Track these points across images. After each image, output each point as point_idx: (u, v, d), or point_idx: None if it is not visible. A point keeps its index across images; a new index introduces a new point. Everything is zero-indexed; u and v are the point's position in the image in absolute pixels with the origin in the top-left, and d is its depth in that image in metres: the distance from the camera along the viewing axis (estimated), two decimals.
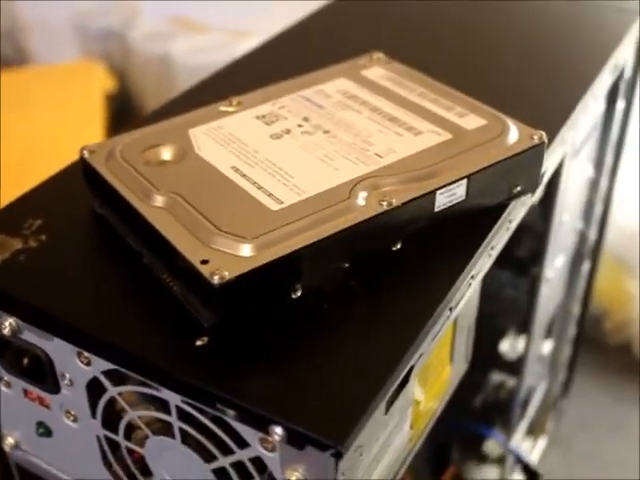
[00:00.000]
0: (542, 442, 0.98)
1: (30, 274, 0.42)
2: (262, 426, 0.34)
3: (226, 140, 0.45)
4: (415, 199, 0.41)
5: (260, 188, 0.40)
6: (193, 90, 0.59)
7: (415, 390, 0.43)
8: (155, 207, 0.40)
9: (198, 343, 0.37)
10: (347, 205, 0.39)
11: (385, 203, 0.40)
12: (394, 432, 0.41)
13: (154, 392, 0.38)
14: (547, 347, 0.88)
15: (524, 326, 0.79)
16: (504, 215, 0.45)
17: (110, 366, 0.39)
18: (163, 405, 0.38)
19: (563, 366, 0.97)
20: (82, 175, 0.45)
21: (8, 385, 0.45)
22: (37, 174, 1.34)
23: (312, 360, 0.37)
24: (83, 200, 0.46)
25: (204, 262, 0.36)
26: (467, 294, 0.44)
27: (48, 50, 1.78)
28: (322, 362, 0.37)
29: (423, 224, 0.42)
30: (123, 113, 1.62)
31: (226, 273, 0.35)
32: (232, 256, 0.36)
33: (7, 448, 0.48)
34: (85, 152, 0.44)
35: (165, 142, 0.45)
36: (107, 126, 1.45)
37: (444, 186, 0.42)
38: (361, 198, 0.40)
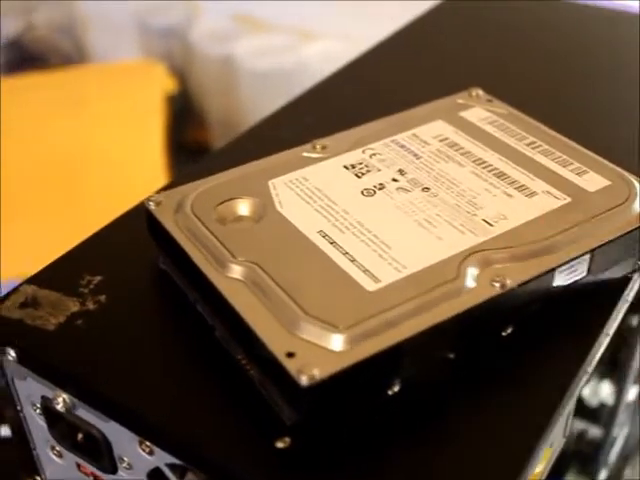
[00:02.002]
0: None
1: (87, 344, 0.37)
2: None
3: (311, 195, 0.39)
4: (532, 279, 0.35)
5: (353, 261, 0.35)
6: (269, 120, 0.54)
7: None
8: (231, 279, 0.35)
9: (279, 445, 0.32)
10: (455, 286, 0.34)
11: (498, 284, 0.34)
12: None
13: None
14: (633, 393, 0.82)
15: (609, 370, 0.73)
16: (626, 292, 0.39)
17: (175, 460, 0.34)
18: None
19: None
20: (146, 227, 0.40)
21: (60, 455, 0.40)
22: (94, 177, 1.31)
23: (410, 470, 0.31)
24: (147, 253, 0.41)
25: (290, 355, 0.31)
26: (582, 382, 0.38)
27: (108, 48, 1.75)
28: (421, 473, 0.31)
29: (538, 306, 0.36)
30: (183, 115, 1.58)
31: (316, 372, 0.30)
32: (322, 349, 0.31)
33: None
34: (151, 203, 0.39)
35: (242, 195, 0.39)
36: (167, 128, 1.41)
37: (565, 263, 0.36)
38: (470, 277, 0.34)
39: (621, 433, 0.85)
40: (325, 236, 0.36)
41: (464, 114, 0.46)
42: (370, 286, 0.34)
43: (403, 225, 0.37)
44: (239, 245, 0.36)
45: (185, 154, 1.52)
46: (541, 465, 0.45)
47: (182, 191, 0.40)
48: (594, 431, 0.77)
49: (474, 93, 0.48)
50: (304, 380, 0.30)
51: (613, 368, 0.72)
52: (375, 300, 0.33)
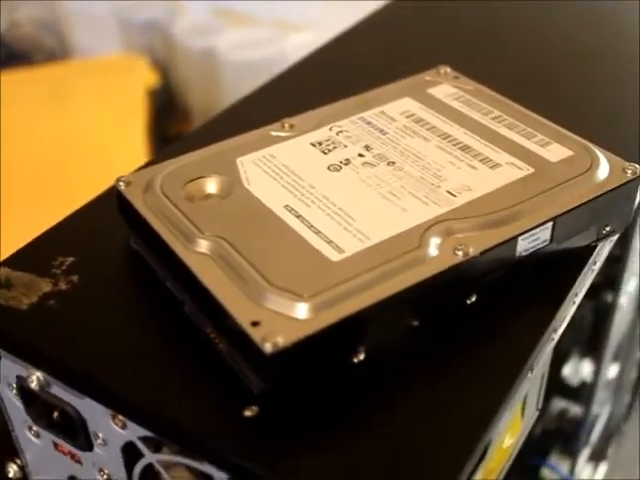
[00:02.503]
0: (603, 468, 0.93)
1: (59, 323, 0.37)
2: None
3: (278, 172, 0.40)
4: (494, 247, 0.35)
5: (318, 233, 0.35)
6: (240, 104, 0.54)
7: (488, 459, 0.38)
8: (198, 253, 0.35)
9: (247, 414, 0.32)
10: (418, 255, 0.34)
11: (461, 253, 0.34)
12: None
13: (197, 466, 0.33)
14: (613, 371, 0.83)
15: (589, 349, 0.73)
16: (591, 259, 0.40)
17: (148, 433, 0.34)
18: (207, 477, 0.34)
19: (628, 389, 0.92)
20: (117, 208, 0.41)
21: (37, 435, 0.41)
22: (78, 169, 1.32)
23: (377, 436, 0.32)
24: (118, 234, 0.41)
25: (255, 324, 0.31)
26: (548, 348, 0.38)
27: (91, 43, 1.75)
28: (388, 439, 0.32)
29: (501, 273, 0.37)
30: (166, 109, 1.58)
31: (280, 340, 0.30)
32: (286, 318, 0.32)
33: None
34: (121, 184, 0.40)
35: (210, 173, 0.40)
36: (149, 122, 1.41)
37: (527, 231, 0.36)
38: (433, 246, 0.35)
39: (603, 412, 0.85)
40: (291, 210, 0.37)
41: (431, 91, 0.46)
42: (334, 256, 0.34)
43: (368, 198, 0.38)
44: (206, 221, 0.36)
45: (158, 158, 1.52)
46: (512, 438, 0.45)
47: (151, 171, 0.41)
48: (575, 409, 0.78)
49: (442, 71, 0.48)
50: (268, 347, 0.30)
51: (593, 347, 0.72)
52: (339, 270, 0.33)
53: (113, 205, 0.41)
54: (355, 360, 0.33)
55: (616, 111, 0.52)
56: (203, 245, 0.35)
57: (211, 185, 0.39)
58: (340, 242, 0.35)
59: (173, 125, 1.64)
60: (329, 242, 0.35)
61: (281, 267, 0.34)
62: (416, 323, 0.35)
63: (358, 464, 0.31)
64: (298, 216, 0.37)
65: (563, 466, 0.79)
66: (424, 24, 0.66)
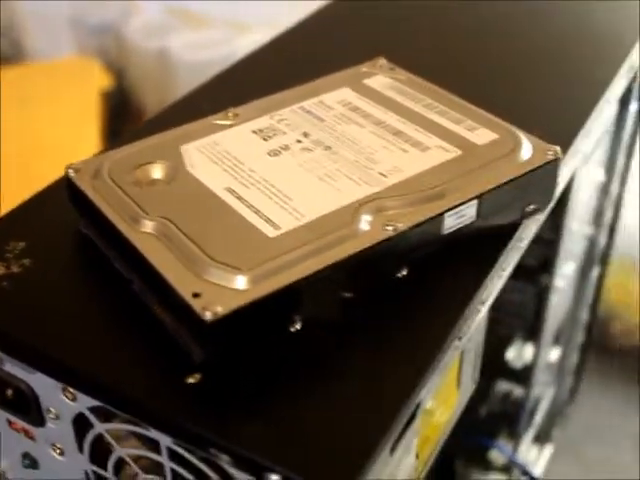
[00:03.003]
0: (549, 450, 0.96)
1: (12, 303, 0.39)
2: (258, 473, 0.32)
3: (220, 158, 0.42)
4: (422, 223, 0.38)
5: (257, 212, 0.38)
6: (189, 97, 0.56)
7: (421, 423, 0.40)
8: (144, 233, 0.37)
9: (190, 381, 0.34)
10: (350, 230, 0.37)
11: (391, 228, 0.37)
12: (399, 467, 0.38)
13: (144, 431, 0.35)
14: (554, 354, 0.86)
15: (531, 333, 0.76)
16: (515, 236, 0.43)
17: (97, 402, 0.36)
18: (153, 443, 0.35)
19: (570, 373, 0.95)
20: (67, 194, 0.42)
21: None
22: (35, 172, 1.32)
23: (312, 400, 0.34)
24: (69, 220, 0.43)
25: (196, 295, 0.33)
26: (477, 320, 0.41)
27: (44, 46, 1.75)
28: (323, 403, 0.34)
29: (430, 248, 0.39)
30: (120, 110, 1.59)
31: (219, 308, 0.33)
32: (226, 289, 0.34)
33: None
34: (70, 171, 0.42)
35: (155, 160, 0.42)
36: (104, 123, 1.42)
37: (453, 207, 0.39)
38: (365, 222, 0.37)
39: (546, 394, 0.88)
40: (232, 192, 0.39)
41: (367, 81, 0.49)
42: (271, 233, 0.36)
43: (305, 180, 0.40)
44: (152, 203, 0.39)
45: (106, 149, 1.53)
46: (448, 412, 0.48)
47: (100, 159, 0.43)
48: (518, 392, 0.80)
49: (378, 63, 0.51)
50: (208, 315, 0.32)
51: (534, 331, 0.75)
52: (275, 245, 0.36)
53: (62, 194, 0.43)
54: (292, 329, 0.36)
55: (544, 104, 0.55)
56: (148, 225, 0.37)
57: (157, 171, 0.41)
58: (277, 219, 0.37)
59: (127, 126, 1.65)
60: (266, 220, 0.37)
61: (221, 243, 0.36)
62: (349, 295, 0.37)
63: (293, 426, 0.33)
64: (238, 197, 0.39)
65: (509, 447, 0.82)
66: (364, 22, 0.68)
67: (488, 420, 0.81)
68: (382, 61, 0.51)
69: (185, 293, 0.34)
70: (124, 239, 0.37)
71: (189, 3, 1.65)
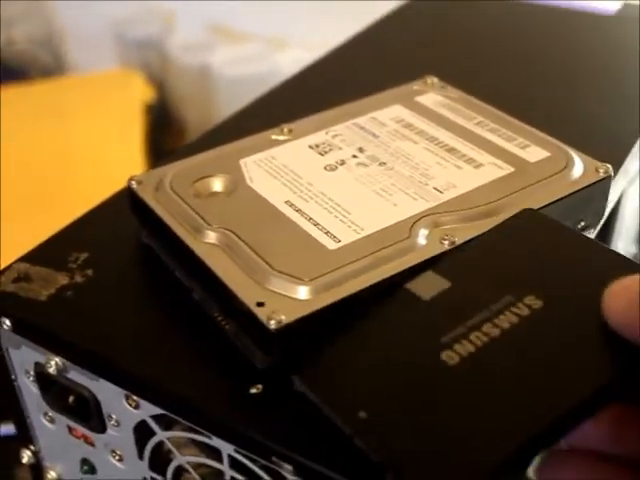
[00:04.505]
0: None
1: (76, 312, 0.40)
2: None
3: (279, 172, 0.43)
4: (477, 237, 0.39)
5: (316, 225, 0.39)
6: (236, 117, 0.58)
7: None
8: (207, 243, 0.39)
9: (252, 391, 0.35)
10: (407, 244, 0.38)
11: (447, 242, 0.38)
12: None
13: (205, 440, 0.36)
14: None
15: None
16: None
17: (159, 410, 0.37)
18: (214, 452, 0.37)
19: None
20: (128, 206, 0.44)
21: (52, 420, 0.44)
22: (75, 185, 1.34)
23: None
24: (129, 231, 0.45)
25: (260, 304, 0.35)
26: None
27: (86, 60, 1.78)
28: None
29: None
30: (161, 124, 1.62)
31: (283, 317, 0.34)
32: (289, 299, 0.35)
33: None
34: (133, 183, 0.43)
35: (216, 173, 0.43)
36: (145, 137, 1.45)
37: None
38: (422, 237, 0.38)
39: None
40: (291, 205, 0.41)
41: (419, 99, 0.50)
42: (331, 245, 0.38)
43: (361, 194, 0.41)
44: (213, 215, 0.40)
45: (164, 162, 1.55)
46: None
47: (161, 171, 0.44)
48: None
49: (429, 81, 0.52)
50: (273, 324, 0.34)
51: None
52: (336, 257, 0.37)
53: (121, 206, 0.45)
54: None
55: (594, 120, 0.56)
56: (211, 236, 0.39)
57: (217, 183, 0.43)
58: (336, 232, 0.38)
59: (168, 140, 1.67)
60: (326, 232, 0.38)
61: (283, 254, 0.37)
62: None
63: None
64: (297, 210, 0.40)
65: None
66: (412, 40, 0.69)
67: None
68: (433, 79, 0.52)
69: (250, 302, 0.35)
70: (187, 249, 0.39)
71: (229, 19, 1.68)
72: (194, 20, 1.72)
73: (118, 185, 0.47)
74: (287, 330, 0.34)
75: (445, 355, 0.31)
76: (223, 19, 1.69)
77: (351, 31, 0.71)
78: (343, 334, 0.34)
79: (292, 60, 1.46)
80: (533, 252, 0.36)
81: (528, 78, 0.62)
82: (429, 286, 0.35)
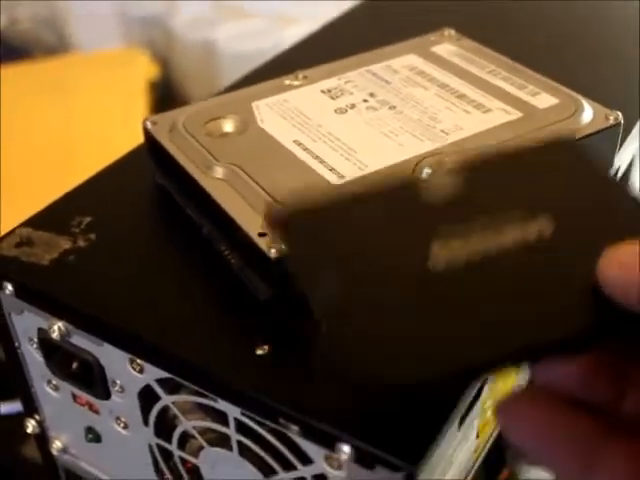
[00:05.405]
0: None
1: (79, 276, 0.43)
2: (328, 443, 0.35)
3: (290, 114, 0.49)
4: None
5: (322, 162, 0.44)
6: (244, 79, 0.62)
7: (487, 399, 0.44)
8: (215, 178, 0.44)
9: (259, 352, 0.38)
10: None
11: None
12: (461, 444, 0.42)
13: (211, 403, 0.39)
14: None
15: None
16: None
17: (164, 374, 0.40)
18: (220, 415, 0.40)
19: None
20: (145, 148, 0.50)
21: (56, 388, 0.47)
22: (80, 161, 1.40)
23: None
24: (132, 196, 0.50)
25: (262, 235, 0.40)
26: None
27: (90, 38, 1.84)
28: None
29: None
30: (166, 101, 1.67)
31: (283, 246, 0.38)
32: None
33: (55, 452, 0.51)
34: (148, 123, 0.49)
35: (228, 114, 0.49)
36: (150, 113, 1.50)
37: None
38: (425, 175, 0.43)
39: None
40: (299, 144, 0.46)
41: (434, 49, 0.56)
42: (335, 180, 0.43)
43: (369, 135, 0.47)
44: (223, 152, 0.46)
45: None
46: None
47: (175, 113, 0.50)
48: None
49: (446, 33, 0.58)
50: (273, 253, 0.39)
51: None
52: (338, 190, 0.42)
53: (124, 171, 0.51)
54: None
55: (610, 74, 0.61)
56: (219, 172, 0.44)
57: (228, 124, 0.49)
58: (341, 169, 0.44)
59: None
60: (331, 169, 0.44)
61: (287, 188, 0.42)
62: None
63: (364, 396, 0.34)
64: (305, 149, 0.46)
65: None
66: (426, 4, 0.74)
67: None
68: (450, 31, 0.58)
69: (252, 232, 0.40)
70: (196, 185, 0.44)
71: None
72: None
73: None
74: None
75: (434, 249, 0.31)
76: None
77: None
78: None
79: (297, 36, 1.50)
80: (560, 181, 0.35)
81: (550, 32, 0.68)
82: (439, 183, 0.35)
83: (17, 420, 0.53)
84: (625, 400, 0.31)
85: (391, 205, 0.33)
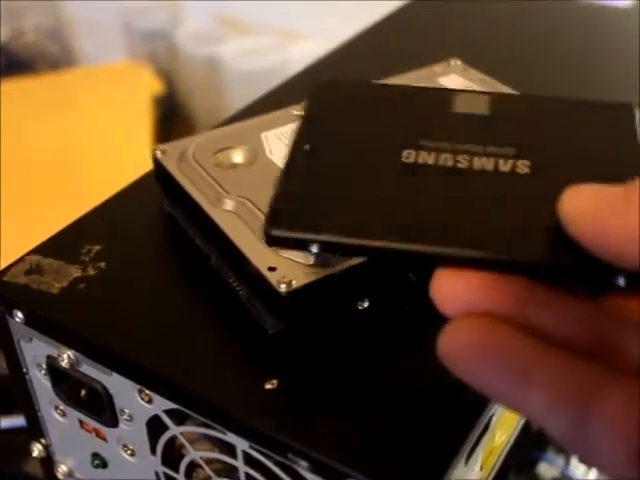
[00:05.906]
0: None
1: (89, 304, 0.43)
2: (335, 478, 0.35)
3: None
4: None
5: None
6: (251, 107, 0.61)
7: (494, 433, 0.44)
8: (225, 211, 0.44)
9: (267, 386, 0.38)
10: None
11: None
12: (465, 476, 0.41)
13: (220, 435, 0.39)
14: None
15: None
16: None
17: (173, 405, 0.40)
18: (228, 447, 0.40)
19: None
20: (154, 176, 0.49)
21: (63, 414, 0.47)
22: (84, 177, 1.40)
23: (391, 403, 0.38)
24: (141, 223, 0.49)
25: (271, 269, 0.40)
26: None
27: (95, 51, 1.84)
28: (402, 408, 0.38)
29: None
30: (170, 116, 1.67)
31: (293, 282, 0.38)
32: (299, 264, 0.40)
33: (60, 476, 0.51)
34: (157, 152, 0.49)
35: (237, 145, 0.49)
36: (153, 129, 1.50)
37: None
38: None
39: None
40: None
41: (441, 80, 0.55)
42: None
43: None
44: (233, 184, 0.45)
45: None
46: (504, 434, 0.51)
47: (184, 142, 0.50)
48: None
49: (452, 63, 0.57)
50: (283, 288, 0.39)
51: None
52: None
53: (132, 199, 0.50)
54: (360, 307, 0.42)
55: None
56: (229, 204, 0.44)
57: (238, 155, 0.48)
58: None
59: (177, 132, 1.72)
60: None
61: None
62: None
63: (373, 431, 0.36)
64: None
65: (559, 460, 0.85)
66: (432, 26, 0.75)
67: (539, 432, 0.84)
68: (457, 61, 0.57)
69: (262, 266, 0.40)
70: (206, 216, 0.44)
71: (239, 10, 1.73)
72: (203, 11, 1.77)
73: (127, 177, 0.52)
74: (297, 294, 0.39)
75: (406, 154, 0.31)
76: (232, 10, 1.74)
77: (362, 24, 0.76)
78: None
79: (303, 53, 1.50)
80: (596, 134, 0.33)
81: (552, 63, 0.68)
82: (467, 103, 0.34)
83: (19, 435, 0.54)
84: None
85: (410, 102, 0.34)
